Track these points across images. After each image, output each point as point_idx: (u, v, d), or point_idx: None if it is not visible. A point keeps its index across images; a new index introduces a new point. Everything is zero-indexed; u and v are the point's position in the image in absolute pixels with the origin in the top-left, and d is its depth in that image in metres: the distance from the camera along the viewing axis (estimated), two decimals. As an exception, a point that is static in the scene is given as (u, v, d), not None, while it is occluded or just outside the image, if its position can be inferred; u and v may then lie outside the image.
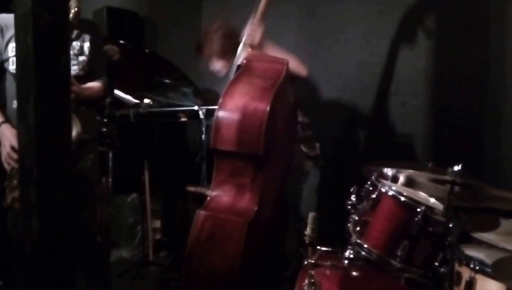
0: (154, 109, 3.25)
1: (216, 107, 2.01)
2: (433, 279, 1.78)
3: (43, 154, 1.20)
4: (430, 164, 1.92)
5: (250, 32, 2.34)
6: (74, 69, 2.24)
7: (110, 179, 1.84)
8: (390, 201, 1.86)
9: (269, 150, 1.97)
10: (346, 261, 1.91)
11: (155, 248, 3.45)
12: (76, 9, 1.96)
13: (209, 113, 2.89)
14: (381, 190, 1.89)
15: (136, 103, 3.11)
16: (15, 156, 2.07)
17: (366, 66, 3.04)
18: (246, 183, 2.00)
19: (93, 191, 2.27)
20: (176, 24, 4.12)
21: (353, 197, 2.05)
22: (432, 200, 1.92)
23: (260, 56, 2.32)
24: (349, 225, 2.01)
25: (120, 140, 1.90)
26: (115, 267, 2.95)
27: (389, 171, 1.96)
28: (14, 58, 2.08)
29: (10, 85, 2.21)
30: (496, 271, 1.45)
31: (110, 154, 1.83)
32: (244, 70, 2.17)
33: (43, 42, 1.18)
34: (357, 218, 1.97)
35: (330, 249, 1.98)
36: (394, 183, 1.92)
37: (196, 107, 3.09)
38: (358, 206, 2.02)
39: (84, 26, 2.29)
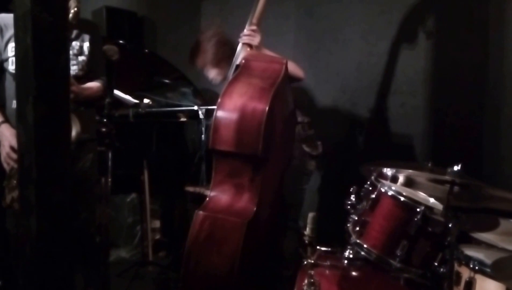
0: (153, 109, 3.24)
1: (215, 107, 2.02)
2: (432, 279, 1.78)
3: (42, 154, 1.20)
4: (429, 164, 1.91)
5: (248, 35, 2.34)
6: (74, 69, 2.23)
7: (109, 179, 1.84)
8: (390, 201, 1.86)
9: (268, 151, 1.97)
10: (345, 261, 1.91)
11: (154, 248, 3.45)
12: (75, 9, 1.95)
13: (209, 113, 2.89)
14: (380, 190, 1.89)
15: (136, 103, 3.10)
16: (14, 156, 2.07)
17: (365, 66, 3.04)
18: (245, 183, 2.01)
19: (92, 191, 2.26)
20: (175, 24, 4.12)
21: (352, 197, 2.04)
22: (432, 200, 1.92)
23: (259, 56, 2.32)
24: (348, 225, 2.00)
25: (119, 140, 1.89)
26: (114, 267, 2.94)
27: (388, 171, 1.96)
28: (14, 58, 2.07)
29: (10, 85, 2.20)
30: (495, 271, 1.45)
31: (109, 154, 1.82)
32: (242, 70, 2.17)
33: (42, 42, 1.18)
34: (356, 218, 1.97)
35: (329, 249, 1.98)
36: (394, 183, 1.93)
37: (195, 107, 3.09)
38: (357, 206, 2.02)
39: (83, 26, 2.28)
